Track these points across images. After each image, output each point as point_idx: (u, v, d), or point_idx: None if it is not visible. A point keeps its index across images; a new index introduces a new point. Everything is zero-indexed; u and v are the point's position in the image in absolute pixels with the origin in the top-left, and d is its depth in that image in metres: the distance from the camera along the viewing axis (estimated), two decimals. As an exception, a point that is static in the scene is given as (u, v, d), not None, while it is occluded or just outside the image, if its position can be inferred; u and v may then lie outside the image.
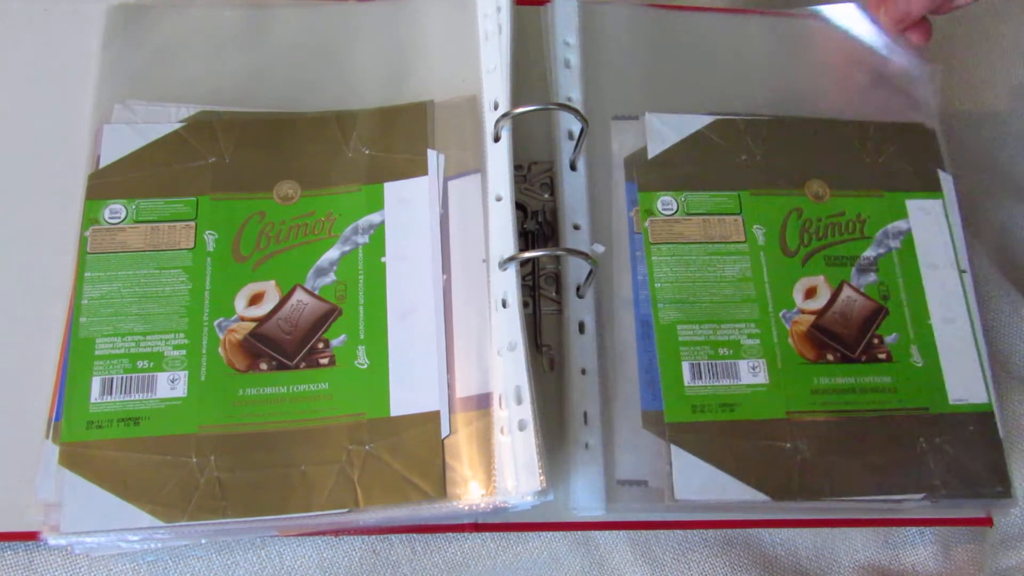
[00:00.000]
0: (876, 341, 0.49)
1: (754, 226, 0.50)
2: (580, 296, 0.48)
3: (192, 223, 0.47)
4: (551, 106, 0.49)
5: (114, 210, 0.47)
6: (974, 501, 0.47)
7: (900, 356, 0.48)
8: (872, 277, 0.50)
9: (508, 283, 0.45)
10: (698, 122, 0.53)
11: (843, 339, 0.48)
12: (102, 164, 0.48)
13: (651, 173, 0.51)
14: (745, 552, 0.48)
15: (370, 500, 0.43)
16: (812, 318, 0.49)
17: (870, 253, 0.51)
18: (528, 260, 0.49)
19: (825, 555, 0.48)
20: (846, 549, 0.48)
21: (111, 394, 0.44)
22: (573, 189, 0.50)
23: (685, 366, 0.47)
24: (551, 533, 0.47)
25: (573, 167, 0.51)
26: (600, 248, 0.49)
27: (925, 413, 0.48)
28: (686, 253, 0.49)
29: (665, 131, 0.52)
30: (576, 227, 0.49)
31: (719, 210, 0.50)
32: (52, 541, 0.42)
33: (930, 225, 0.52)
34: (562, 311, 0.49)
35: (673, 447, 0.45)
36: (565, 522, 0.46)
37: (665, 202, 0.50)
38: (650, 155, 0.51)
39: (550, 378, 0.48)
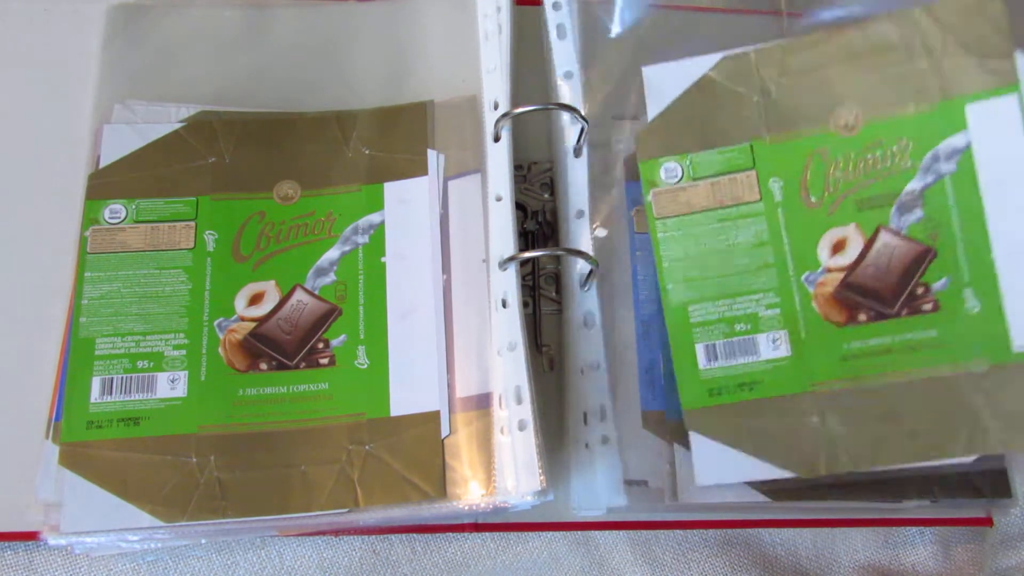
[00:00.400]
0: (920, 291, 0.42)
1: (770, 180, 0.44)
2: (584, 289, 0.48)
3: (192, 223, 0.47)
4: (551, 106, 0.49)
5: (114, 210, 0.47)
6: (973, 501, 0.47)
7: (950, 304, 0.42)
8: (918, 214, 0.43)
9: (508, 283, 0.45)
10: (703, 65, 0.47)
11: (879, 294, 0.42)
12: (102, 164, 0.48)
13: (651, 138, 0.46)
14: (745, 552, 0.48)
15: (370, 500, 0.43)
16: (841, 275, 0.43)
17: (915, 185, 0.43)
18: (528, 260, 0.49)
19: (825, 555, 0.48)
20: (846, 549, 0.48)
21: (111, 394, 0.44)
22: (574, 188, 0.50)
23: (699, 348, 0.44)
24: (551, 533, 0.47)
25: (573, 167, 0.51)
26: (603, 232, 0.47)
27: (982, 367, 0.41)
28: (695, 224, 0.44)
29: (665, 85, 0.47)
30: (580, 213, 0.49)
31: (730, 167, 0.45)
32: (52, 541, 0.42)
33: (998, 131, 0.42)
34: (562, 311, 0.49)
35: (692, 434, 0.43)
36: (565, 522, 0.46)
37: (669, 169, 0.45)
38: (650, 116, 0.47)
39: (550, 378, 0.48)
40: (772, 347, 0.43)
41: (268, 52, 0.53)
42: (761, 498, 0.45)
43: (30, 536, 0.43)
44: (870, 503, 0.46)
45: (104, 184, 0.48)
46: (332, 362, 0.46)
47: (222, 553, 0.46)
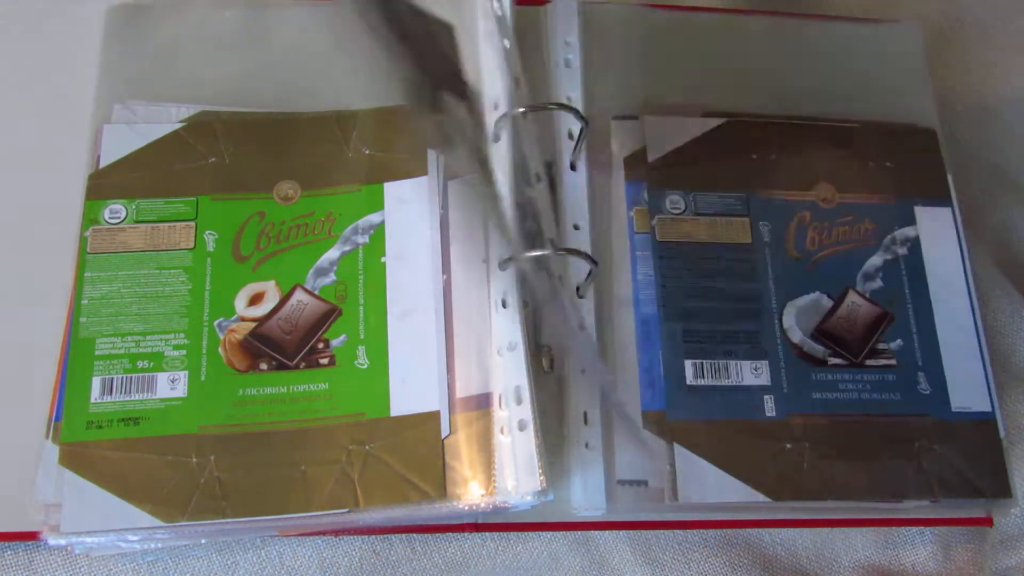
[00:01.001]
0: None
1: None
2: (580, 296, 0.48)
3: (192, 223, 0.47)
4: (551, 106, 0.49)
5: (114, 210, 0.47)
6: (973, 501, 0.47)
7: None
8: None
9: (508, 283, 0.45)
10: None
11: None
12: (102, 164, 0.48)
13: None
14: (745, 552, 0.48)
15: (370, 500, 0.43)
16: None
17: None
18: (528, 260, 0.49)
19: (825, 555, 0.48)
20: (846, 549, 0.48)
21: (111, 394, 0.44)
22: (573, 189, 0.50)
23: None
24: (551, 533, 0.47)
25: (573, 167, 0.51)
26: (603, 232, 0.47)
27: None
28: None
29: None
30: (576, 227, 0.49)
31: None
32: (52, 541, 0.42)
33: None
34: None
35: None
36: (565, 522, 0.46)
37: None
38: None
39: (550, 378, 0.48)
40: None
41: (268, 52, 0.53)
42: (761, 498, 0.45)
43: (30, 536, 0.43)
44: (870, 503, 0.46)
45: (104, 184, 0.48)
46: (332, 362, 0.46)
47: (222, 553, 0.46)
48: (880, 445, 0.47)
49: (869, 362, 0.49)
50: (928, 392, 0.48)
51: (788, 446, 0.46)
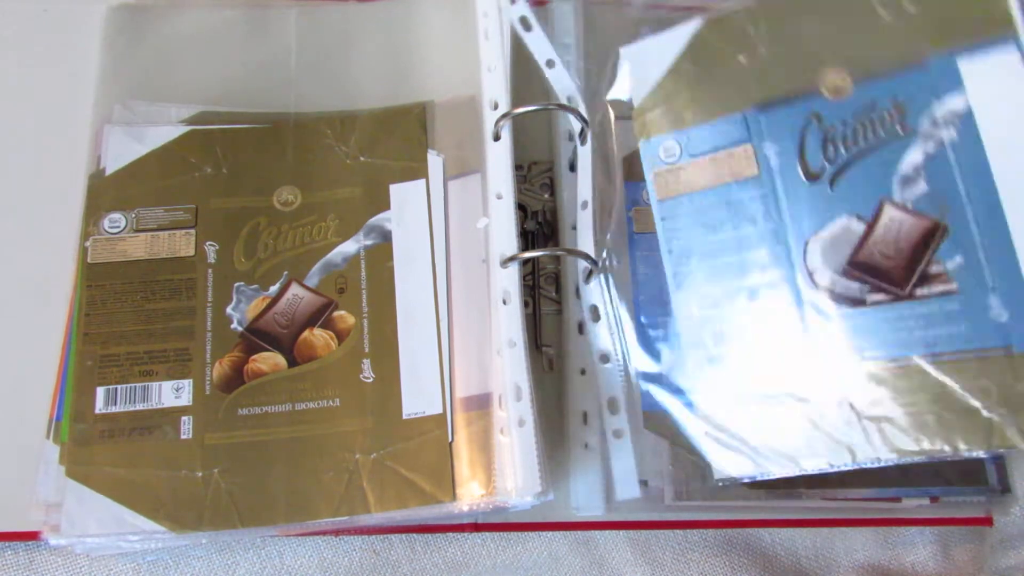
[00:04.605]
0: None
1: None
2: (580, 296, 0.48)
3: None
4: (551, 106, 0.49)
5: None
6: (974, 499, 0.47)
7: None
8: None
9: (509, 281, 0.45)
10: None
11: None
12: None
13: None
14: (745, 552, 0.48)
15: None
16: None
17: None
18: (528, 260, 0.49)
19: (825, 555, 0.48)
20: (846, 549, 0.48)
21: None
22: (573, 189, 0.50)
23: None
24: (551, 533, 0.47)
25: (573, 167, 0.51)
26: (603, 232, 0.47)
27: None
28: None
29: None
30: (576, 227, 0.49)
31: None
32: (53, 541, 0.42)
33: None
34: (562, 311, 0.49)
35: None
36: (565, 522, 0.46)
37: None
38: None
39: (550, 378, 0.48)
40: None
41: (268, 52, 0.53)
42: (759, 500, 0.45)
43: (30, 536, 0.43)
44: (870, 501, 0.46)
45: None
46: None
47: (222, 553, 0.46)
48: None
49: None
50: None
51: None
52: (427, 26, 0.53)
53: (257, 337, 0.46)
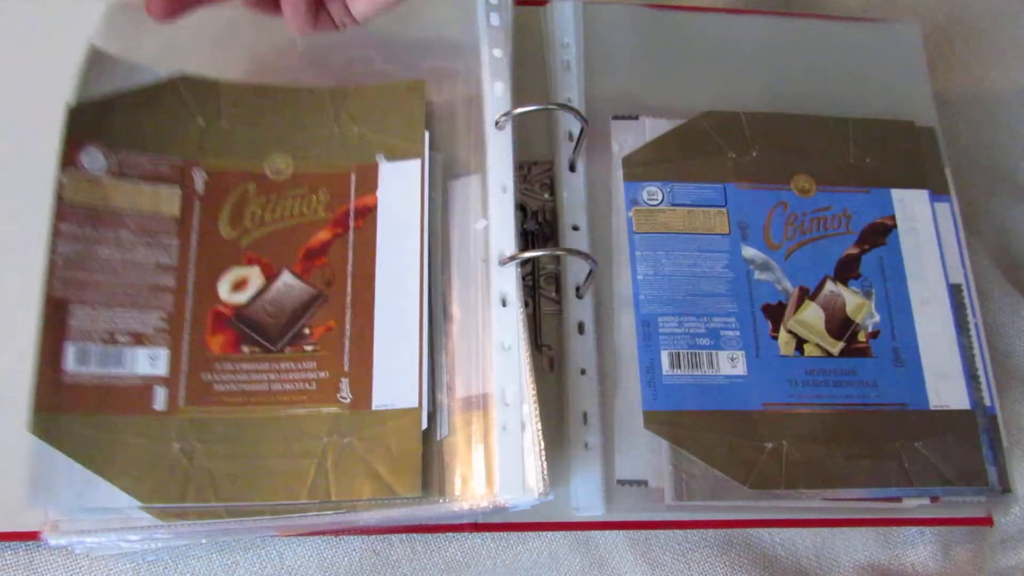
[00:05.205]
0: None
1: None
2: (579, 296, 0.48)
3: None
4: (551, 106, 0.49)
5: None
6: (974, 499, 0.47)
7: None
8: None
9: (508, 280, 0.45)
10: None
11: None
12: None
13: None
14: (745, 552, 0.48)
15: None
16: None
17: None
18: (528, 260, 0.49)
19: (825, 555, 0.48)
20: (846, 549, 0.48)
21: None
22: (573, 189, 0.50)
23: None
24: (551, 533, 0.47)
25: (572, 168, 0.51)
26: (602, 232, 0.48)
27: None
28: None
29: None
30: (575, 227, 0.49)
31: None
32: (52, 541, 0.41)
33: None
34: (562, 311, 0.49)
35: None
36: (565, 522, 0.46)
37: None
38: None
39: (550, 378, 0.48)
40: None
41: (268, 52, 0.53)
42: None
43: (30, 536, 0.43)
44: (870, 501, 0.46)
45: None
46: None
47: (222, 553, 0.46)
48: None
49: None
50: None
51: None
52: (427, 25, 0.53)
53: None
